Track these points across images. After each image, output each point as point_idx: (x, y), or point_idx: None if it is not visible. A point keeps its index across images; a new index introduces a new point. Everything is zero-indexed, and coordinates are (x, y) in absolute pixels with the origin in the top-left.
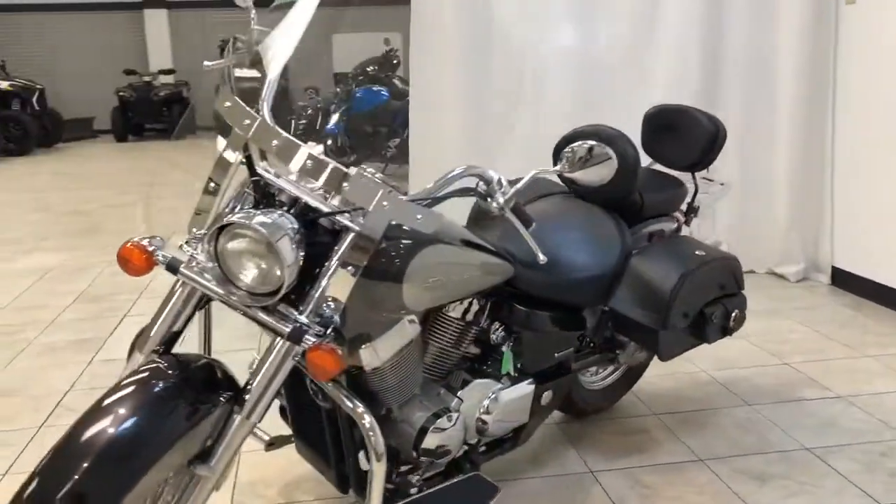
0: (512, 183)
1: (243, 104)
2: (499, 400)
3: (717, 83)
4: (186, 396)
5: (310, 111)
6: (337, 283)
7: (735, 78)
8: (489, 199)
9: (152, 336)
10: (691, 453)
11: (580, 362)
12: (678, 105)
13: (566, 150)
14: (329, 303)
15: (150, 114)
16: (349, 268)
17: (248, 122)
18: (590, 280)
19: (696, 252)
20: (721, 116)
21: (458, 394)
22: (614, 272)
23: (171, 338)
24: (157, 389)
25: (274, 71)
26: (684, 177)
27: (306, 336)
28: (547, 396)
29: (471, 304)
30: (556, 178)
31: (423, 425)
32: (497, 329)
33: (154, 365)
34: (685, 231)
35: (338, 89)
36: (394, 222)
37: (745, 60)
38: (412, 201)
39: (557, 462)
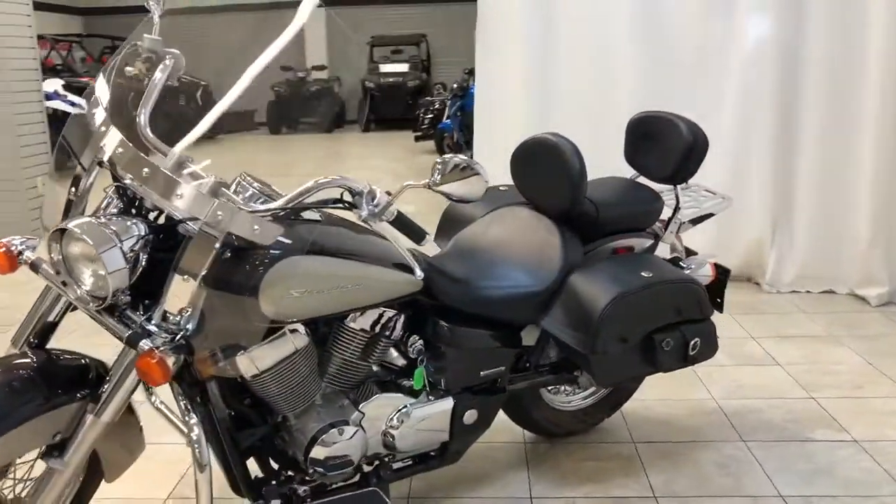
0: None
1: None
2: (409, 416)
3: (795, 89)
4: (38, 388)
5: (437, 105)
6: (186, 292)
7: (814, 83)
8: (356, 210)
9: (20, 329)
10: (648, 489)
11: (523, 382)
12: (659, 112)
13: (437, 161)
14: (185, 311)
15: (302, 108)
16: (185, 276)
17: (103, 128)
18: (521, 297)
19: (644, 273)
20: (798, 124)
21: (362, 406)
22: (550, 289)
23: (46, 332)
24: (9, 377)
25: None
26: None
27: (142, 341)
28: (471, 416)
29: (380, 315)
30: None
31: (314, 435)
32: (415, 343)
33: (15, 356)
34: (664, 248)
35: (454, 85)
36: (233, 232)
37: (827, 64)
38: (257, 212)
39: (501, 484)
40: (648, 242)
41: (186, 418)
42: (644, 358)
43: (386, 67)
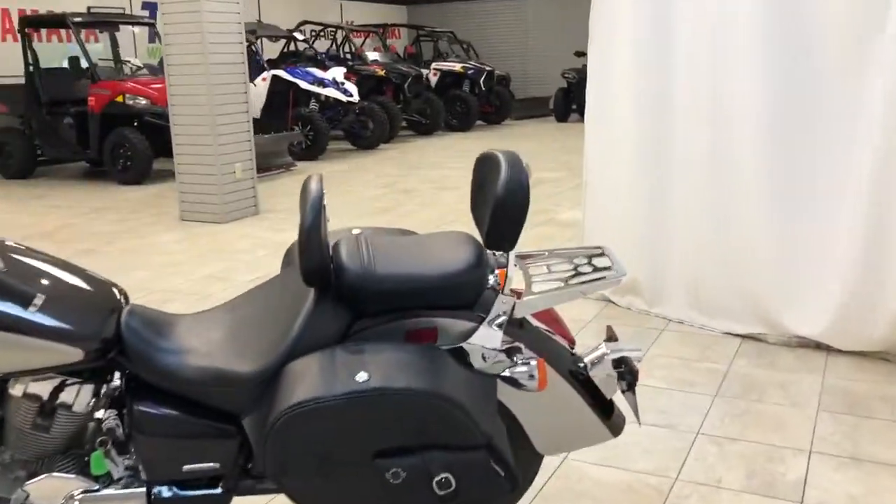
0: None
1: None
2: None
3: None
4: None
5: None
6: None
7: None
8: None
9: None
10: None
11: (250, 482)
12: (496, 151)
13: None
14: None
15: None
16: None
17: None
18: (222, 379)
19: (361, 374)
20: None
21: (27, 484)
22: (262, 376)
23: None
24: None
25: None
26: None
27: None
28: None
29: (52, 382)
30: None
31: None
32: (107, 419)
33: None
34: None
35: None
36: None
37: None
38: None
39: None
40: (466, 326)
41: None
42: (373, 490)
43: None
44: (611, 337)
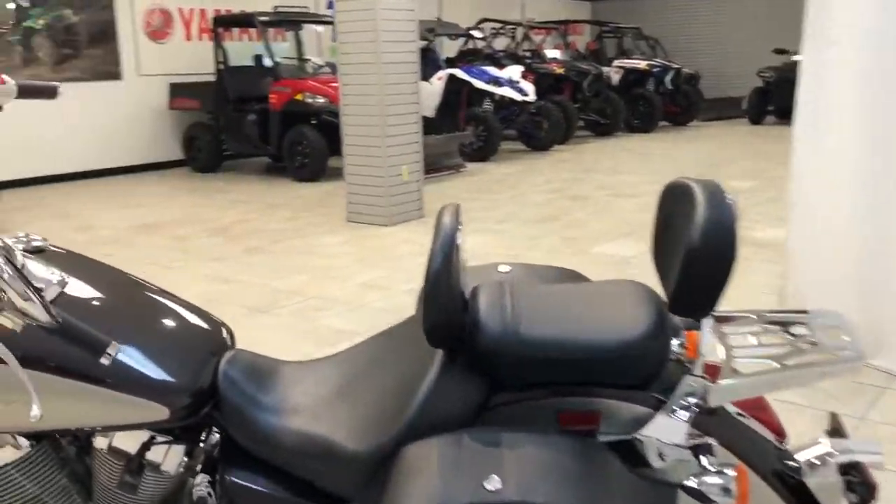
0: None
1: None
2: None
3: None
4: None
5: None
6: None
7: None
8: None
9: None
10: None
11: None
12: (690, 180)
13: None
14: None
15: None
16: None
17: None
18: (329, 456)
19: (492, 479)
20: None
21: None
22: (375, 457)
23: None
24: None
25: None
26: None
27: None
28: None
29: (140, 440)
30: None
31: None
32: (199, 484)
33: None
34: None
35: None
36: None
37: None
38: None
39: None
40: (639, 411)
41: None
42: None
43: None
44: (836, 429)
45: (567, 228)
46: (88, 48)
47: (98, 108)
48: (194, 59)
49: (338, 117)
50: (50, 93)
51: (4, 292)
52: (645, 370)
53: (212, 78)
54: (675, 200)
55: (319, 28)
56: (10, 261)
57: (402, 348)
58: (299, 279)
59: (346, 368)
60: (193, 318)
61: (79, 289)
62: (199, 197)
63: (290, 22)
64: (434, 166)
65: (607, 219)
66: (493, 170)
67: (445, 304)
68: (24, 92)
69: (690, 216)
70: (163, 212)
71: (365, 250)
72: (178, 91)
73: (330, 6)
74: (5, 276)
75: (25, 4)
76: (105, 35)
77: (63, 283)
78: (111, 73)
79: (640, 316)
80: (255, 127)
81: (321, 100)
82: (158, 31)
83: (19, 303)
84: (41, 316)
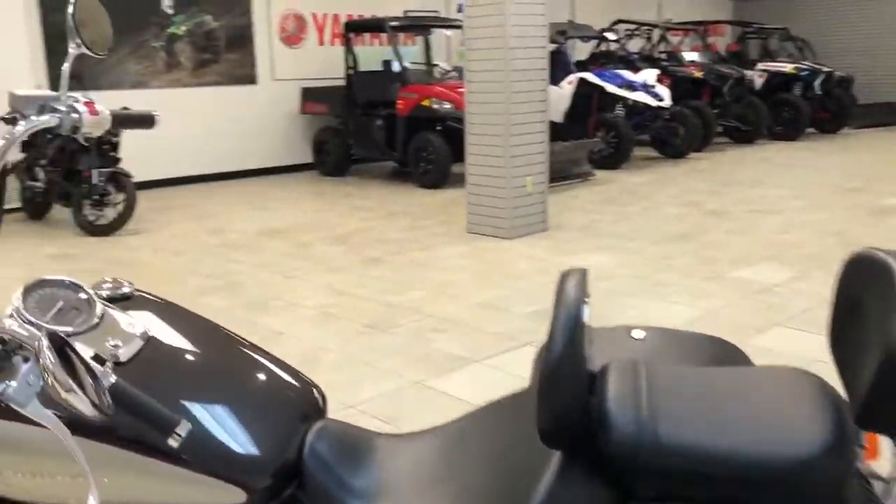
0: None
1: None
2: None
3: None
4: None
5: None
6: None
7: None
8: None
9: None
10: None
11: None
12: (883, 254)
13: None
14: None
15: None
16: None
17: None
18: None
19: None
20: None
21: None
22: None
23: None
24: None
25: None
26: None
27: None
28: None
29: None
30: None
31: None
32: None
33: None
34: None
35: None
36: None
37: None
38: None
39: None
40: None
41: None
42: None
43: None
44: None
45: (703, 248)
46: (227, 53)
47: (234, 111)
48: (326, 64)
49: (463, 123)
50: (147, 122)
51: (50, 382)
52: (820, 489)
53: (341, 83)
54: (865, 278)
55: (449, 32)
56: (62, 342)
57: (514, 431)
58: (416, 295)
59: (449, 448)
60: (281, 380)
61: (157, 347)
62: (325, 202)
63: (419, 27)
64: (560, 174)
65: (747, 238)
66: (623, 179)
67: (566, 402)
68: (120, 122)
69: (890, 305)
70: (289, 216)
71: (484, 265)
72: (309, 96)
73: (460, 10)
74: (48, 363)
75: (170, 11)
76: (242, 40)
77: (143, 337)
78: (247, 77)
79: (818, 424)
80: (382, 132)
81: (447, 105)
82: (293, 36)
83: (62, 394)
84: (86, 410)
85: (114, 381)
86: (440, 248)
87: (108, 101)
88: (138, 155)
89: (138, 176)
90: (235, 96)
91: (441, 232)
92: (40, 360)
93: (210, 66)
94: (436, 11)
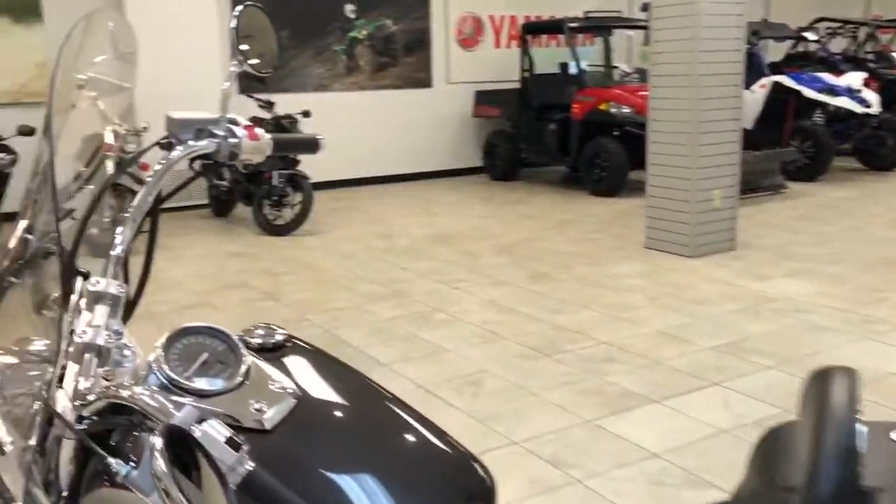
0: None
1: None
2: None
3: None
4: None
5: None
6: None
7: None
8: None
9: None
10: None
11: None
12: None
13: None
14: None
15: None
16: None
17: None
18: None
19: None
20: None
21: None
22: None
23: None
24: None
25: None
26: None
27: None
28: None
29: None
30: None
31: None
32: None
33: None
34: None
35: None
36: None
37: None
38: None
39: None
40: None
41: None
42: None
43: None
44: None
45: None
46: (404, 57)
47: (408, 114)
48: (500, 67)
49: (643, 129)
50: (310, 147)
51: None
52: None
53: (514, 86)
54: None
55: (630, 32)
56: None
57: None
58: (586, 316)
59: None
60: (443, 460)
61: (306, 410)
62: (492, 208)
63: (600, 28)
64: (749, 186)
65: None
66: (821, 193)
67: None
68: (282, 147)
69: None
70: (457, 222)
71: (663, 286)
72: (483, 99)
73: (644, 9)
74: (160, 469)
75: (352, 16)
76: (420, 44)
77: (293, 397)
78: (422, 80)
79: None
80: (555, 136)
81: (626, 110)
82: (469, 38)
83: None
84: None
85: (249, 470)
86: (613, 265)
87: (290, 104)
88: (315, 156)
89: (314, 177)
90: (410, 99)
91: (615, 246)
92: (154, 464)
93: (387, 69)
94: (618, 11)
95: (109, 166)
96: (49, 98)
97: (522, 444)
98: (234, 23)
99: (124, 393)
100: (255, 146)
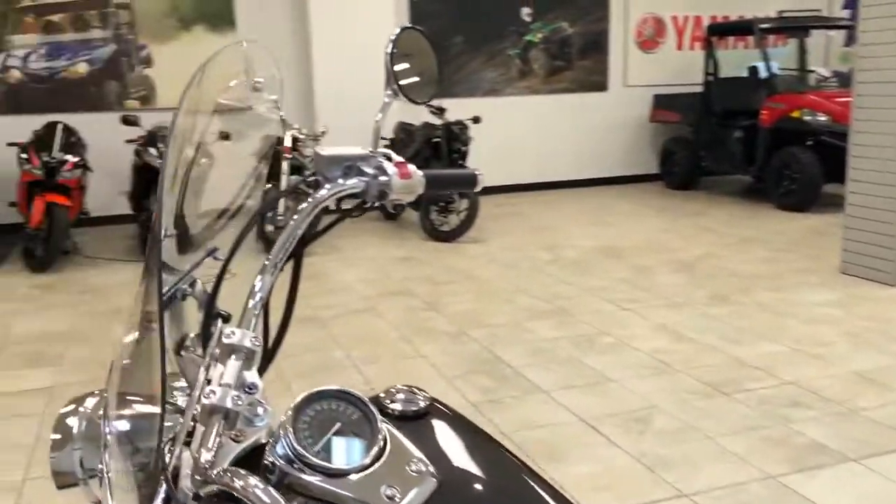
0: None
1: None
2: None
3: None
4: None
5: None
6: None
7: None
8: None
9: None
10: None
11: None
12: None
13: None
14: None
15: None
16: None
17: None
18: None
19: None
20: None
21: None
22: None
23: None
24: None
25: None
26: None
27: None
28: None
29: None
30: None
31: None
32: None
33: None
34: None
35: None
36: None
37: None
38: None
39: None
40: None
41: None
42: None
43: None
44: None
45: None
46: (579, 60)
47: (581, 118)
48: (680, 70)
49: (841, 139)
50: (469, 183)
51: None
52: None
53: (695, 89)
54: None
55: (831, 32)
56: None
57: None
58: (770, 350)
59: None
60: None
61: (445, 495)
62: (668, 219)
63: (796, 28)
64: None
65: None
66: None
67: None
68: (437, 184)
69: None
70: (628, 234)
71: (861, 319)
72: (661, 103)
73: (847, 6)
74: None
75: (528, 20)
76: (596, 46)
77: (433, 478)
78: (598, 84)
79: None
80: (740, 144)
81: (822, 118)
82: (649, 40)
83: None
84: None
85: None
86: (803, 291)
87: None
88: (484, 161)
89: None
90: (584, 103)
91: (805, 269)
92: None
93: (562, 72)
94: (817, 10)
95: (285, 167)
96: (171, 126)
97: (693, 498)
98: (389, 47)
99: (238, 483)
100: (406, 185)
